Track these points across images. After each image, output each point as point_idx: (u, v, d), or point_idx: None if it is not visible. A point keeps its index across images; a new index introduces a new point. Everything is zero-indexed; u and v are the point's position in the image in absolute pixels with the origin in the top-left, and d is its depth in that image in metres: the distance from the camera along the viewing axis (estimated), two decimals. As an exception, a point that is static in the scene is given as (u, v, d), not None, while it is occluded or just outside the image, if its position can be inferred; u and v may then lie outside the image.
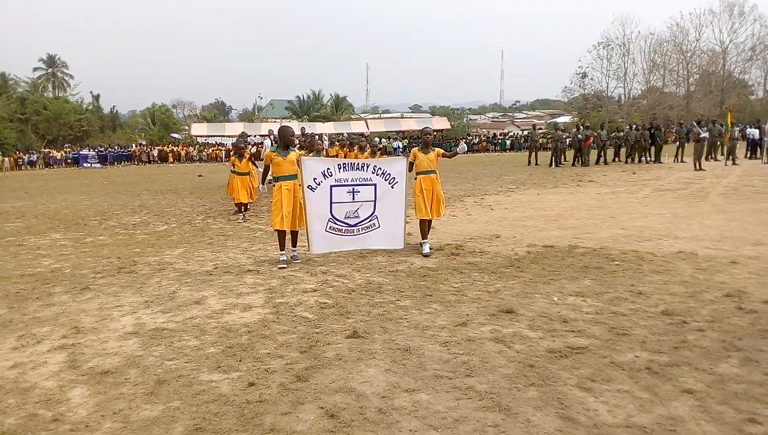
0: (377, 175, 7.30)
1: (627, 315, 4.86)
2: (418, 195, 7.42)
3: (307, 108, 66.18)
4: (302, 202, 7.04)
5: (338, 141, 16.67)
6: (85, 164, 41.55)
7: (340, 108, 67.69)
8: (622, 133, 26.75)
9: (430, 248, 7.48)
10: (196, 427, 3.21)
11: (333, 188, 7.15)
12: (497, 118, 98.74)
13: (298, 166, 6.98)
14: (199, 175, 26.51)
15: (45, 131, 54.46)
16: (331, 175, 7.14)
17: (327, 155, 15.29)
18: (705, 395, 3.41)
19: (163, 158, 44.75)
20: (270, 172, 7.12)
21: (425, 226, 7.53)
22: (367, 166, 7.33)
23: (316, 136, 13.69)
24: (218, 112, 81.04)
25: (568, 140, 27.33)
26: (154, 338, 4.63)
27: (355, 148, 14.25)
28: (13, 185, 24.75)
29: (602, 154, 25.44)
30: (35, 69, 67.03)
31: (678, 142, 25.46)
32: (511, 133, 56.07)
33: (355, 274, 6.55)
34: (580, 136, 25.13)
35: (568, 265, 6.62)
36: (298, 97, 68.50)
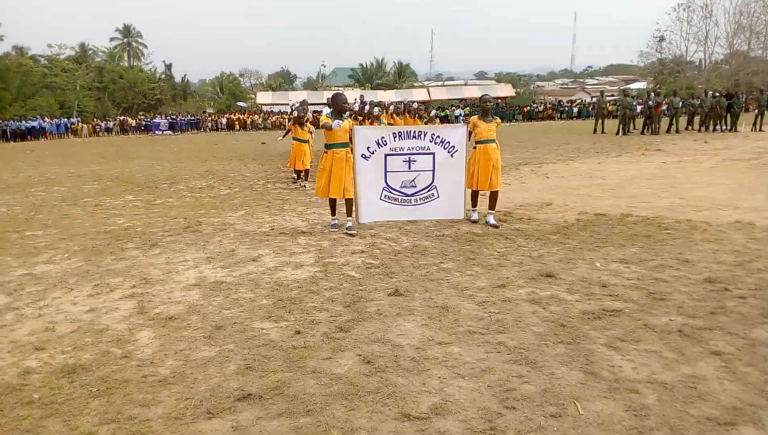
0: (436, 143, 7.13)
1: (669, 281, 4.88)
2: (474, 165, 7.25)
3: (370, 76, 66.22)
4: (354, 171, 7.02)
5: (393, 108, 16.65)
6: (156, 131, 43.42)
7: (403, 75, 67.35)
8: (696, 100, 25.48)
9: (494, 225, 7.19)
10: (247, 366, 3.55)
11: (387, 157, 7.07)
12: (567, 84, 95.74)
13: (351, 135, 7.01)
14: (262, 143, 27.27)
15: (121, 99, 57.01)
16: (385, 144, 7.04)
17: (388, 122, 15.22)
18: (733, 357, 3.47)
19: (230, 126, 46.16)
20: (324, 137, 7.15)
21: (477, 196, 7.49)
22: (425, 135, 7.15)
23: (372, 104, 13.82)
24: (283, 81, 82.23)
25: (639, 107, 26.32)
26: (213, 290, 5.04)
27: (415, 116, 14.27)
28: (91, 150, 26.28)
29: (674, 121, 24.38)
30: (112, 39, 70.04)
31: (757, 110, 24.05)
32: (578, 100, 54.29)
33: (403, 237, 6.79)
34: (650, 102, 24.17)
35: (618, 233, 6.60)
36: (361, 64, 68.60)
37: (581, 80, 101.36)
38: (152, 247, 6.68)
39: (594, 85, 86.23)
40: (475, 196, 7.50)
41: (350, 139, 7.10)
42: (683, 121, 25.56)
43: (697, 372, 3.31)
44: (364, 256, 6.03)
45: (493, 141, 7.26)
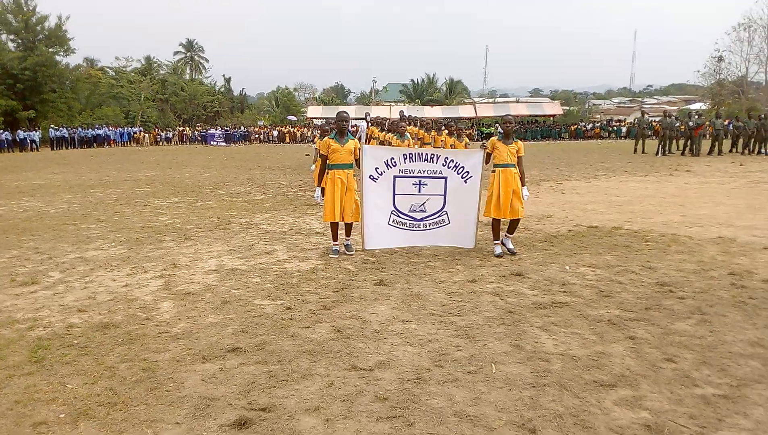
0: (449, 168, 6.82)
1: (623, 283, 5.46)
2: (494, 190, 6.62)
3: (421, 91, 67.22)
4: (360, 193, 6.77)
5: (425, 124, 17.35)
6: (212, 142, 45.58)
7: (453, 92, 68.01)
8: (740, 123, 25.24)
9: (511, 250, 6.78)
10: (241, 330, 4.40)
11: (396, 179, 6.81)
12: (624, 103, 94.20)
13: (360, 155, 6.72)
14: (306, 154, 28.47)
15: (181, 111, 59.94)
16: (395, 166, 6.79)
17: (412, 137, 15.25)
18: (643, 341, 4.07)
19: (281, 138, 47.99)
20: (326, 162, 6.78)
21: (498, 226, 6.79)
22: (438, 158, 6.84)
23: (402, 120, 14.61)
24: (336, 96, 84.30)
25: (682, 128, 26.23)
26: (228, 275, 5.93)
27: (443, 132, 14.88)
28: (149, 158, 28.11)
29: (716, 143, 24.22)
30: (175, 53, 73.43)
31: (805, 134, 23.62)
32: (628, 120, 53.68)
33: (404, 239, 7.54)
34: (691, 123, 24.12)
35: (601, 243, 7.17)
36: (412, 80, 69.75)
37: (640, 99, 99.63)
38: (185, 240, 7.68)
39: (653, 104, 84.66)
40: (496, 226, 6.79)
41: (357, 160, 6.81)
42: (727, 143, 25.31)
43: (607, 350, 3.94)
44: (364, 253, 6.82)
45: (513, 165, 6.63)
